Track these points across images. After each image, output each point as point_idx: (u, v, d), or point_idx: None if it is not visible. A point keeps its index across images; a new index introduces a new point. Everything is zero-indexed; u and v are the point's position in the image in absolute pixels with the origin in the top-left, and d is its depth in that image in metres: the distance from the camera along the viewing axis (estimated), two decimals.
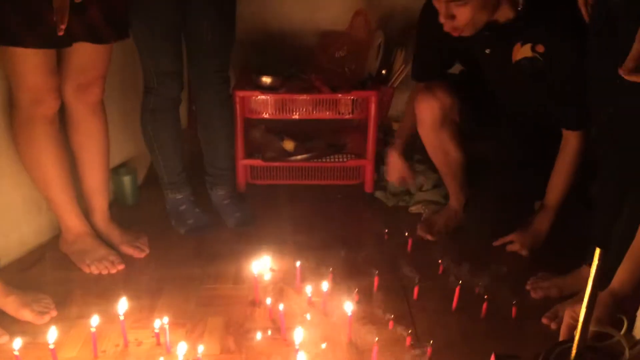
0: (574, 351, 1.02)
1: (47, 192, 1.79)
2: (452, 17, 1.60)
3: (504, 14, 1.64)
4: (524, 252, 1.91)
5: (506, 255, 1.93)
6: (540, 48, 1.67)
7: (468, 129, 2.00)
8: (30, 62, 1.54)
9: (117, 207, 2.14)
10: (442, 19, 1.62)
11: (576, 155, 1.76)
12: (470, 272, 1.79)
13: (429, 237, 2.03)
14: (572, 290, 1.68)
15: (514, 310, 1.62)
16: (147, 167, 2.45)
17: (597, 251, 0.94)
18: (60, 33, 1.39)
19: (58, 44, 1.57)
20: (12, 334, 1.49)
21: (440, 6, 1.60)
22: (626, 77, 1.03)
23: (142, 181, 2.41)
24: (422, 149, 2.08)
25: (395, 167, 2.10)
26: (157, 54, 1.84)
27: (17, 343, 1.38)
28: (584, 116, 1.60)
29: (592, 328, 1.01)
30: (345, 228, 2.13)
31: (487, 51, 1.78)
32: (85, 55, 1.67)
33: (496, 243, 1.97)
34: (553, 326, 1.58)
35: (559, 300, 1.66)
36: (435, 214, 2.13)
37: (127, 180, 2.23)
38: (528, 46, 1.69)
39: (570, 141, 1.76)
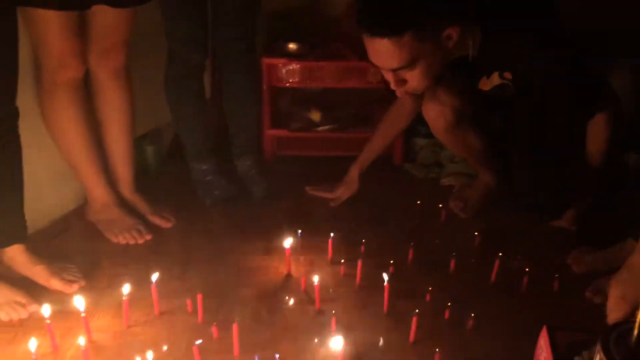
0: (635, 332, 0.96)
1: (72, 161, 1.75)
2: (404, 81, 1.52)
3: (458, 53, 1.54)
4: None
5: (545, 229, 1.86)
6: (509, 75, 1.60)
7: (481, 112, 1.91)
8: (54, 25, 1.49)
9: (141, 178, 2.10)
10: (393, 87, 1.54)
11: (604, 139, 1.68)
12: (509, 243, 1.73)
13: (463, 214, 1.97)
14: (615, 264, 1.61)
15: (556, 283, 1.57)
16: (169, 138, 2.41)
17: None
18: None
19: (76, 6, 1.52)
20: (42, 303, 1.46)
21: (389, 76, 1.52)
22: None
23: (166, 152, 2.37)
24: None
25: (349, 187, 2.02)
26: (180, 20, 1.78)
27: (47, 311, 1.35)
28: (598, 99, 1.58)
29: None
30: (374, 200, 2.08)
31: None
32: (106, 20, 1.62)
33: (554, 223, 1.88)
34: (597, 300, 1.52)
35: (601, 274, 1.60)
36: (468, 188, 2.07)
37: (150, 150, 2.19)
38: (495, 75, 1.62)
39: (600, 125, 1.67)
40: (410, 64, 1.45)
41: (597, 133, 1.68)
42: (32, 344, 1.25)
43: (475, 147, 1.94)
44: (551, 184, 1.77)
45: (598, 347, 0.96)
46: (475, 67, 1.61)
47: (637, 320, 0.95)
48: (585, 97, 1.60)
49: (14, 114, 1.45)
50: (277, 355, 1.24)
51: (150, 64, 2.15)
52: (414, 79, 1.50)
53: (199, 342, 1.27)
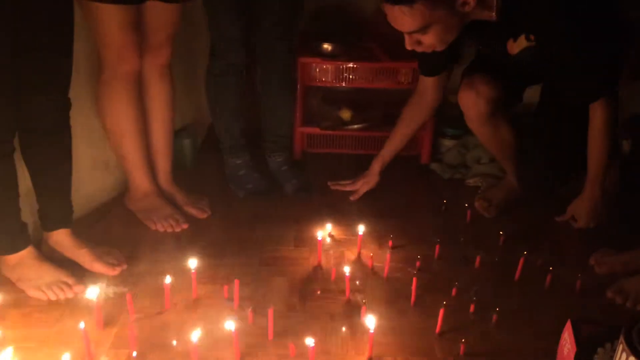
0: None
1: (121, 150, 1.84)
2: (419, 42, 1.56)
3: (482, 15, 1.57)
4: (586, 225, 1.83)
5: (568, 230, 1.90)
6: (532, 37, 1.62)
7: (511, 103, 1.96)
8: (114, 19, 1.59)
9: (177, 170, 2.19)
10: (408, 47, 1.58)
11: (605, 124, 1.67)
12: (533, 243, 1.78)
13: (487, 214, 2.01)
14: (637, 266, 1.66)
15: (578, 283, 1.62)
16: (204, 133, 2.50)
17: None
18: None
19: (132, 0, 1.61)
20: (86, 285, 1.55)
21: (405, 36, 1.56)
22: None
23: (200, 145, 2.45)
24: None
25: (369, 181, 2.08)
26: (225, 20, 1.85)
27: (95, 291, 1.44)
28: (601, 84, 1.58)
29: None
30: (402, 198, 2.14)
31: (481, 48, 1.78)
32: (158, 15, 1.71)
33: (559, 219, 1.91)
34: (618, 300, 1.57)
35: (623, 275, 1.65)
36: (494, 188, 2.11)
37: (187, 143, 2.27)
38: (522, 37, 1.64)
39: (596, 111, 1.67)
40: (422, 29, 1.50)
41: (594, 117, 1.67)
42: (82, 323, 1.34)
43: (506, 140, 1.96)
44: (561, 166, 1.81)
45: (621, 337, 1.01)
46: (500, 29, 1.63)
47: None
48: (589, 75, 1.62)
49: (67, 106, 1.55)
50: (312, 341, 1.31)
51: (189, 61, 2.25)
52: (428, 40, 1.54)
53: (231, 323, 1.35)
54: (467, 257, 1.75)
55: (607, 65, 1.61)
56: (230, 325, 1.34)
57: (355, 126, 2.32)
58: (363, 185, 2.09)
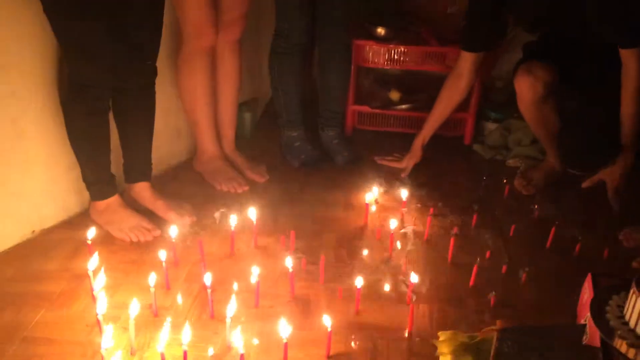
0: None
1: (194, 117, 2.07)
2: None
3: None
4: (612, 188, 1.87)
5: (600, 206, 2.00)
6: None
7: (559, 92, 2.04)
8: None
9: (238, 140, 2.40)
10: None
11: (638, 81, 1.75)
12: (566, 217, 1.92)
13: (525, 192, 2.14)
14: None
15: (605, 252, 1.75)
16: (262, 107, 2.71)
17: None
18: None
19: None
20: (163, 231, 1.78)
21: None
22: None
23: (259, 119, 2.67)
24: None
25: (413, 156, 2.22)
26: (290, 3, 2.03)
27: (174, 231, 1.67)
28: (637, 33, 1.66)
29: None
30: (445, 174, 2.30)
31: (536, 15, 1.86)
32: None
33: (585, 185, 1.94)
34: None
35: None
36: (533, 169, 2.24)
37: (247, 116, 2.49)
38: None
39: (629, 64, 1.74)
40: None
41: (627, 72, 1.74)
42: (162, 254, 1.57)
43: (552, 125, 2.07)
44: (595, 142, 1.91)
45: (633, 283, 1.16)
46: None
47: None
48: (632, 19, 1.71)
49: (155, 72, 1.78)
50: (361, 282, 1.49)
51: (252, 40, 2.46)
52: None
53: (290, 260, 1.55)
54: (503, 226, 1.90)
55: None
56: (288, 263, 1.54)
57: (403, 106, 2.49)
58: (409, 161, 2.25)
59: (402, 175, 2.24)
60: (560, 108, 2.06)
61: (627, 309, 1.18)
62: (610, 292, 1.26)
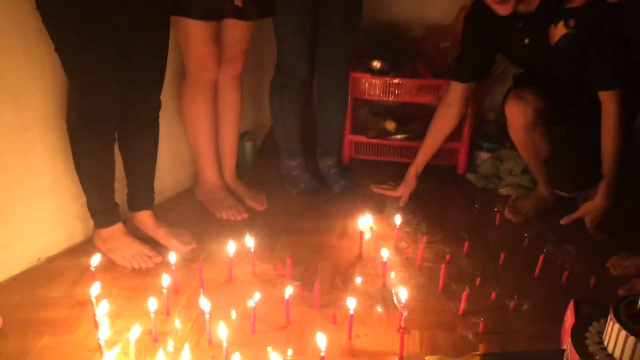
0: None
1: (197, 147, 2.15)
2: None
3: (532, 2, 1.81)
4: (591, 225, 1.97)
5: (588, 235, 2.05)
6: (572, 22, 1.81)
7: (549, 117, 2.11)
8: (198, 33, 1.90)
9: (239, 168, 2.48)
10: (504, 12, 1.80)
11: (616, 119, 1.83)
12: (555, 245, 1.98)
13: (515, 220, 2.20)
14: None
15: (592, 280, 1.80)
16: (263, 137, 2.80)
17: None
18: (239, 3, 1.78)
19: (214, 17, 1.91)
20: (164, 257, 1.85)
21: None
22: None
23: (259, 148, 2.75)
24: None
25: (408, 185, 2.29)
26: (292, 39, 2.12)
27: (173, 258, 1.73)
28: (617, 75, 1.77)
29: None
30: (438, 202, 2.36)
31: (527, 41, 1.93)
32: (233, 31, 2.00)
33: (563, 221, 2.02)
34: None
35: (635, 277, 1.81)
36: (524, 198, 2.31)
37: (248, 145, 2.57)
38: (561, 23, 1.83)
39: (608, 106, 1.84)
40: None
41: (607, 112, 1.84)
42: (164, 280, 1.63)
43: (542, 152, 2.14)
44: (582, 163, 1.98)
45: (610, 310, 1.21)
46: (544, 14, 1.84)
47: None
48: (611, 65, 1.82)
49: (159, 105, 1.86)
50: (353, 305, 1.55)
51: (254, 74, 2.56)
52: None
53: (290, 288, 1.60)
54: (493, 254, 1.96)
55: (623, 63, 1.80)
56: (287, 291, 1.60)
57: (399, 136, 2.56)
58: (405, 190, 2.32)
59: (400, 204, 2.31)
60: (549, 134, 2.13)
61: (606, 336, 1.23)
62: (591, 319, 1.31)
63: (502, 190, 2.43)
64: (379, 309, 1.69)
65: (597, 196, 1.93)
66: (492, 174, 2.52)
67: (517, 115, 2.05)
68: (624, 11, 1.79)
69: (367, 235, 2.06)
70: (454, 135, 2.52)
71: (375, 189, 2.39)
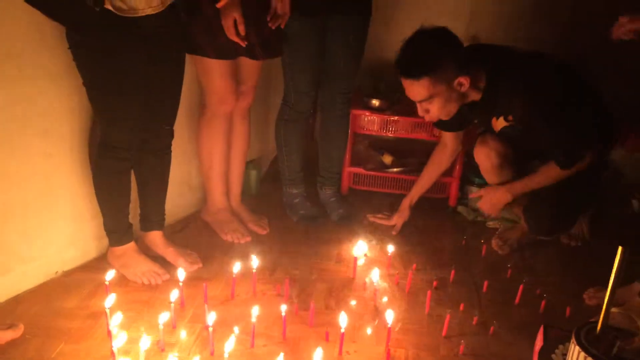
0: (599, 326, 1.35)
1: (210, 173, 2.32)
2: (427, 111, 1.99)
3: (473, 96, 1.99)
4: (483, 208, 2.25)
5: (567, 267, 2.23)
6: (510, 118, 2.01)
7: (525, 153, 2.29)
8: (217, 70, 2.08)
9: (243, 195, 2.64)
10: (420, 113, 2.01)
11: (556, 174, 2.02)
12: (535, 277, 2.12)
13: (500, 252, 2.36)
14: (622, 300, 1.96)
15: (568, 309, 1.94)
16: (267, 166, 2.97)
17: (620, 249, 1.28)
18: (242, 45, 1.94)
19: (230, 56, 2.08)
20: (172, 275, 2.00)
21: (417, 105, 1.99)
22: None
23: (263, 176, 2.92)
24: None
25: (402, 215, 2.47)
26: (299, 78, 2.30)
27: (182, 275, 1.89)
28: (568, 154, 1.97)
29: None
30: (429, 232, 2.52)
31: (476, 121, 2.18)
32: (246, 68, 2.19)
33: (472, 195, 2.33)
34: None
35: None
36: (509, 230, 2.46)
37: (253, 174, 2.74)
38: (502, 118, 2.05)
39: (553, 168, 2.02)
40: (427, 99, 1.93)
41: (550, 168, 2.03)
42: (173, 295, 1.78)
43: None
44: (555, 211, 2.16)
45: (572, 335, 1.36)
46: (487, 109, 2.04)
47: (601, 317, 1.35)
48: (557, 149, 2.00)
49: (172, 134, 2.04)
50: (345, 323, 1.69)
51: (262, 107, 2.74)
52: (433, 110, 1.97)
53: (284, 307, 1.75)
54: (477, 283, 2.10)
55: (574, 141, 1.97)
56: (283, 308, 1.75)
57: (395, 169, 2.73)
58: (398, 220, 2.48)
59: (393, 233, 2.46)
60: (523, 174, 2.23)
61: (569, 357, 1.37)
62: (557, 342, 1.45)
63: (491, 224, 2.58)
64: (369, 330, 1.83)
65: (502, 187, 2.18)
66: None
67: (484, 159, 2.23)
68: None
69: (361, 261, 2.20)
70: (447, 170, 2.69)
71: (371, 218, 2.54)
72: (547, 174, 2.07)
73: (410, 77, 1.91)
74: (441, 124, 2.29)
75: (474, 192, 2.31)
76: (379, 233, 2.45)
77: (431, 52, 1.89)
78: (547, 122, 1.94)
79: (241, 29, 1.90)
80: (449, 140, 2.35)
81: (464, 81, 1.91)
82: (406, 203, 2.47)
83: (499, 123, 2.08)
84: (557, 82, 1.94)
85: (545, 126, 1.95)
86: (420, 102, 1.96)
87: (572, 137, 1.96)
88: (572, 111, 1.93)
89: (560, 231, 2.25)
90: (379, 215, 2.54)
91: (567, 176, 2.03)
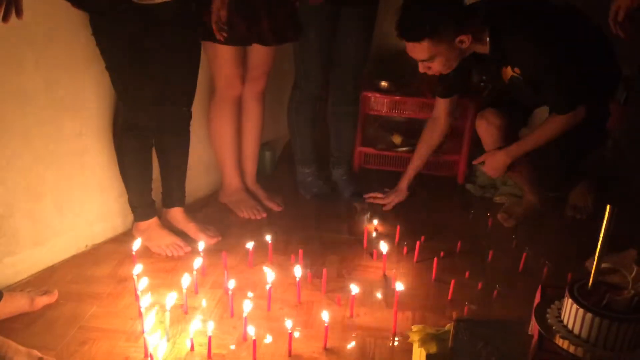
0: (590, 281, 1.45)
1: (222, 155, 2.44)
2: (429, 68, 2.06)
3: (480, 49, 2.04)
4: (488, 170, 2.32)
5: (570, 237, 2.32)
6: (517, 70, 2.08)
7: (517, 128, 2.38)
8: (226, 56, 2.19)
9: (259, 175, 2.75)
10: (421, 70, 2.09)
11: (556, 125, 2.07)
12: (539, 246, 2.22)
13: (506, 224, 2.45)
14: (621, 266, 2.04)
15: (569, 276, 2.03)
16: (281, 148, 3.09)
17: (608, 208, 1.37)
18: (220, 37, 1.98)
19: (241, 43, 2.19)
20: (193, 248, 2.13)
21: (418, 63, 2.07)
22: None
23: (278, 158, 3.04)
24: None
25: (399, 195, 2.54)
26: (310, 62, 2.40)
27: (201, 246, 2.02)
28: (568, 101, 2.02)
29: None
30: (438, 208, 2.62)
31: (484, 77, 2.26)
32: (258, 54, 2.29)
33: (475, 162, 2.39)
34: None
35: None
36: (515, 205, 2.54)
37: (268, 155, 2.86)
38: (509, 68, 2.11)
39: (556, 117, 2.07)
40: (429, 59, 2.02)
41: (551, 120, 2.09)
42: (196, 262, 1.91)
43: (518, 164, 2.33)
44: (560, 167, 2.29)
45: (566, 289, 1.45)
46: (494, 60, 2.10)
47: (592, 272, 1.44)
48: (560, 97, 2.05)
49: (190, 116, 2.16)
50: (356, 290, 1.80)
51: (277, 91, 2.85)
52: (434, 67, 2.06)
53: (299, 269, 1.87)
54: (483, 253, 2.20)
55: (577, 89, 2.03)
56: (297, 273, 1.87)
57: (404, 149, 2.83)
58: (393, 198, 2.56)
59: (384, 209, 2.54)
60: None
61: (563, 311, 1.46)
62: (554, 298, 1.55)
63: (497, 199, 2.67)
64: (379, 295, 1.95)
65: (501, 150, 2.25)
66: (489, 184, 2.76)
67: (484, 134, 2.32)
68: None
69: (373, 234, 2.32)
70: (455, 148, 2.79)
71: (368, 197, 2.61)
72: (544, 129, 2.13)
73: (411, 40, 1.99)
74: (441, 89, 2.36)
75: (475, 161, 2.40)
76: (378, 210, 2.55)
77: (430, 13, 1.94)
78: (552, 70, 1.98)
79: (222, 14, 1.93)
80: (441, 112, 2.40)
81: (465, 39, 1.98)
82: (403, 183, 2.55)
83: (508, 71, 2.12)
84: (559, 28, 1.98)
85: (551, 72, 2.00)
86: (422, 61, 2.04)
87: (574, 81, 2.00)
88: (576, 57, 1.98)
89: (566, 185, 2.33)
90: (374, 194, 2.60)
91: (565, 129, 2.08)
